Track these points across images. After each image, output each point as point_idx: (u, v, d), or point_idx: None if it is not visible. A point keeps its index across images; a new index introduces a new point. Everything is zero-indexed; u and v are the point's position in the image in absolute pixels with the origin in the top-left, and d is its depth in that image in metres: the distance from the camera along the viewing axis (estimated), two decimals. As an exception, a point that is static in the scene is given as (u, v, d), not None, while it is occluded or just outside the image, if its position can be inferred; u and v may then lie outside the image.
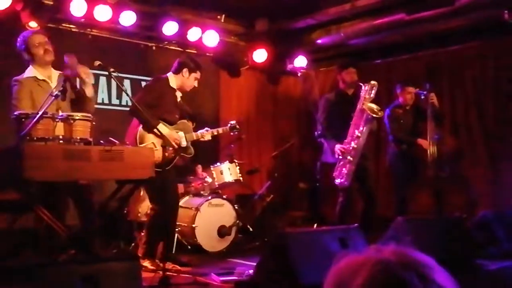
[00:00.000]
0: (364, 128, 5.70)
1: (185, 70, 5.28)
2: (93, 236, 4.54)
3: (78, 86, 4.66)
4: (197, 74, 5.35)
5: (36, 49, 4.46)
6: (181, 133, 5.25)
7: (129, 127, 5.23)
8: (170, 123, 5.17)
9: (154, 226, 5.12)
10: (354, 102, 5.91)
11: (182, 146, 5.15)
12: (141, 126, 5.02)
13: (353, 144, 5.69)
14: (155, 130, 4.90)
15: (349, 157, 5.68)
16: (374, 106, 5.73)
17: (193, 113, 6.77)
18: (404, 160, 6.41)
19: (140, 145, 4.93)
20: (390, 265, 1.05)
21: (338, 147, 5.73)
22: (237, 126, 5.91)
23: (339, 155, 5.71)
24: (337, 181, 5.74)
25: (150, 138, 5.00)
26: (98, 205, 4.57)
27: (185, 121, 5.39)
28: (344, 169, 5.70)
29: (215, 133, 5.66)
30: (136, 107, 4.84)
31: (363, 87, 5.79)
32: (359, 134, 5.69)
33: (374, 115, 5.69)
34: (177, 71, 5.31)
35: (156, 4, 6.73)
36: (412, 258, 1.07)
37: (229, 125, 5.90)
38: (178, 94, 5.37)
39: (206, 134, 5.51)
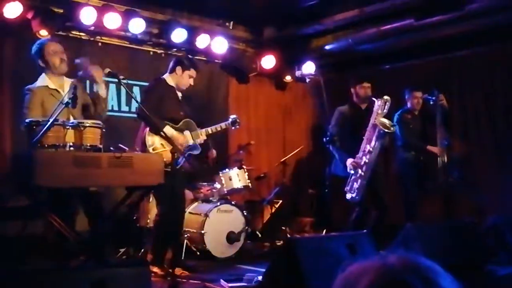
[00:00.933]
0: (376, 143, 5.68)
1: (178, 68, 5.33)
2: (103, 242, 4.55)
3: (94, 88, 4.71)
4: (191, 72, 5.37)
5: (52, 57, 4.51)
6: (187, 132, 5.29)
7: (138, 131, 5.29)
8: (176, 121, 5.21)
9: (161, 232, 5.15)
10: (367, 117, 5.86)
11: (189, 144, 5.19)
12: (147, 129, 5.08)
13: (365, 159, 5.66)
14: (162, 133, 4.97)
15: (360, 172, 5.66)
16: (386, 121, 5.71)
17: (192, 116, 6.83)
18: (413, 166, 6.39)
19: (149, 147, 5.00)
20: (393, 269, 1.06)
21: (350, 161, 5.70)
22: (238, 120, 5.91)
23: (351, 169, 5.69)
24: (349, 196, 5.71)
25: (158, 140, 5.07)
26: (108, 211, 4.59)
27: (189, 119, 5.41)
28: (355, 183, 5.68)
29: (218, 129, 5.65)
30: (143, 111, 4.90)
31: (376, 102, 5.76)
32: (371, 149, 5.66)
33: (387, 130, 5.66)
34: (171, 70, 5.38)
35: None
36: (416, 263, 1.08)
37: (230, 119, 5.87)
38: (179, 94, 5.42)
39: (208, 130, 5.53)
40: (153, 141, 5.07)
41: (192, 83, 5.44)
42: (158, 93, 5.21)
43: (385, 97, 5.76)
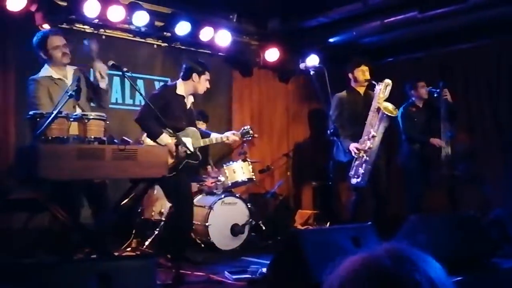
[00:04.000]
0: (380, 127, 5.67)
1: (194, 75, 5.26)
2: (108, 234, 4.57)
3: (92, 78, 4.72)
4: (207, 76, 5.33)
5: (54, 51, 4.52)
6: (188, 139, 5.21)
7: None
8: (178, 130, 5.13)
9: (173, 224, 5.19)
10: (366, 101, 5.89)
11: (188, 152, 5.08)
12: (145, 134, 5.10)
13: (369, 143, 5.64)
14: (157, 140, 4.96)
15: (365, 157, 5.64)
16: (390, 105, 5.69)
17: (205, 114, 6.83)
18: (417, 159, 6.39)
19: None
20: (378, 259, 1.06)
21: (353, 146, 5.68)
22: (251, 132, 5.79)
23: (355, 153, 5.68)
24: (353, 180, 5.68)
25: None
26: (113, 203, 4.60)
27: (194, 128, 5.37)
28: (360, 168, 5.65)
29: (224, 140, 5.58)
30: (139, 118, 5.00)
31: (377, 86, 5.75)
32: (375, 134, 5.64)
33: (390, 114, 5.65)
34: (186, 78, 5.30)
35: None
36: (403, 253, 1.07)
37: (241, 130, 5.79)
38: (189, 100, 5.37)
39: (213, 140, 5.51)
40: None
41: (209, 86, 5.40)
42: (164, 100, 5.15)
43: (386, 80, 5.73)
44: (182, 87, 5.30)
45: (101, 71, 4.56)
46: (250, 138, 5.87)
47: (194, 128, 5.38)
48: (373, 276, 1.04)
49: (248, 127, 5.84)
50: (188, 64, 5.41)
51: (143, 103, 6.84)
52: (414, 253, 1.08)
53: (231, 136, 5.61)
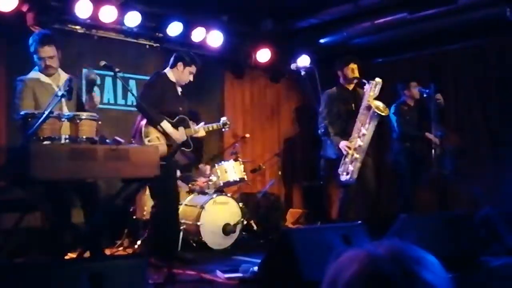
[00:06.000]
0: (370, 125, 5.71)
1: (179, 64, 5.37)
2: (100, 234, 4.58)
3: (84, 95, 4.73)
4: (192, 69, 5.42)
5: (40, 61, 4.54)
6: (182, 128, 5.36)
7: (135, 122, 5.34)
8: (174, 115, 5.29)
9: (157, 223, 5.20)
10: (355, 98, 5.94)
11: (183, 141, 5.27)
12: (144, 120, 5.13)
13: (359, 141, 5.68)
14: (158, 127, 5.06)
15: (355, 155, 5.68)
16: (380, 104, 5.73)
17: (196, 114, 6.86)
18: (408, 158, 6.45)
19: (145, 139, 5.07)
20: (378, 260, 1.06)
21: (343, 144, 5.73)
22: (228, 122, 6.11)
23: (345, 150, 5.72)
24: (343, 178, 5.72)
25: (154, 133, 5.14)
26: (105, 203, 4.61)
27: (184, 116, 5.47)
28: (350, 166, 5.70)
29: (210, 129, 5.83)
30: (140, 105, 5.04)
31: (367, 84, 5.80)
32: (365, 132, 5.69)
33: (380, 113, 5.70)
34: (172, 65, 5.42)
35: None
36: (404, 254, 1.07)
37: (221, 121, 6.07)
38: (178, 89, 5.47)
39: (200, 129, 5.64)
40: (149, 133, 5.13)
41: (192, 79, 5.49)
42: (159, 87, 5.26)
43: (377, 79, 5.79)
44: (171, 74, 5.41)
45: (96, 102, 4.58)
46: (228, 129, 6.26)
47: (184, 116, 5.47)
48: (374, 275, 1.04)
49: (225, 118, 6.18)
50: (178, 53, 5.54)
51: (135, 103, 6.87)
52: (414, 251, 1.09)
53: (215, 125, 5.95)
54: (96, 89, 4.73)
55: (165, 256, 4.98)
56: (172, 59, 5.46)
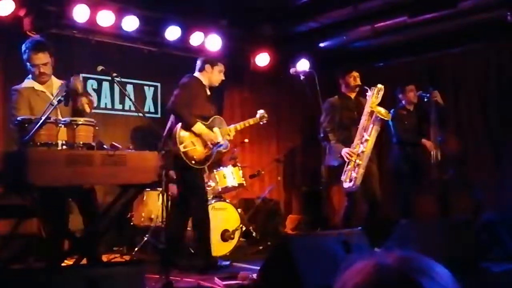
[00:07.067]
0: (373, 130, 5.69)
1: (207, 66, 5.41)
2: (97, 241, 4.54)
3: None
4: (220, 67, 5.48)
5: (33, 68, 4.51)
6: (216, 129, 5.37)
7: (168, 126, 5.32)
8: (206, 118, 5.32)
9: (203, 227, 5.31)
10: (357, 106, 5.93)
11: (219, 142, 5.29)
12: (179, 125, 5.13)
13: (362, 147, 5.66)
14: (193, 129, 5.10)
15: (358, 161, 5.65)
16: (382, 109, 5.73)
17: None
18: (408, 163, 6.42)
19: (180, 146, 5.08)
20: (385, 270, 1.05)
21: (345, 151, 5.70)
22: (266, 115, 6.02)
23: (347, 158, 5.69)
24: (346, 185, 5.69)
25: (189, 138, 5.15)
26: (102, 209, 4.57)
27: (219, 117, 5.54)
28: (353, 172, 5.66)
29: (247, 125, 5.84)
30: (175, 106, 5.09)
31: (369, 91, 5.78)
32: (368, 137, 5.67)
33: (383, 118, 5.69)
34: (201, 69, 5.44)
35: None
36: (412, 264, 1.06)
37: (258, 114, 5.99)
38: (208, 92, 5.48)
39: (232, 128, 5.62)
40: (184, 139, 5.12)
41: (223, 78, 5.53)
42: (193, 90, 5.28)
43: (379, 85, 5.79)
44: (201, 78, 5.43)
45: (86, 106, 4.47)
46: (265, 121, 6.13)
47: (219, 117, 5.56)
48: (379, 285, 1.04)
49: (263, 111, 6.05)
50: (202, 57, 5.57)
51: (132, 108, 6.84)
52: (423, 262, 1.08)
53: (251, 120, 5.95)
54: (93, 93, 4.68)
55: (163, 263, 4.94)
56: (198, 63, 5.47)
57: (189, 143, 5.13)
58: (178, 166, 5.18)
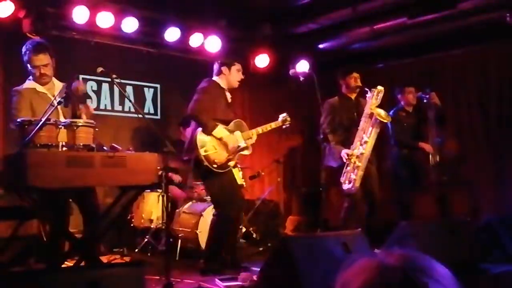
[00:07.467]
0: (372, 132, 5.69)
1: (224, 69, 5.30)
2: (97, 242, 4.54)
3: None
4: (237, 66, 5.36)
5: (33, 70, 4.50)
6: (238, 133, 5.26)
7: (189, 131, 5.28)
8: (227, 122, 5.23)
9: (217, 231, 5.16)
10: (357, 107, 5.93)
11: (240, 145, 5.18)
12: (199, 129, 5.06)
13: (361, 149, 5.65)
14: (213, 133, 5.01)
15: (357, 163, 5.65)
16: (382, 111, 5.72)
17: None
18: (407, 164, 6.42)
19: (201, 149, 5.00)
20: (388, 270, 1.05)
21: (344, 152, 5.70)
22: (288, 119, 5.73)
23: (346, 159, 5.68)
24: (345, 186, 5.69)
25: (211, 142, 5.06)
26: (102, 211, 4.57)
27: (240, 120, 5.43)
28: (352, 174, 5.66)
29: (268, 128, 5.60)
30: (193, 111, 5.02)
31: (369, 92, 5.78)
32: (367, 139, 5.66)
33: (382, 120, 5.68)
34: (218, 73, 5.34)
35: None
36: (414, 264, 1.07)
37: (280, 118, 5.74)
38: (228, 95, 5.39)
39: (254, 132, 5.46)
40: (205, 142, 5.05)
41: (242, 76, 5.41)
42: (212, 94, 5.17)
43: (379, 87, 5.79)
44: (220, 81, 5.33)
45: (83, 115, 4.47)
46: (288, 125, 5.81)
47: (241, 120, 5.44)
48: (383, 285, 1.04)
49: (285, 114, 5.76)
50: (218, 61, 5.44)
51: (132, 109, 6.85)
52: (425, 262, 1.09)
53: (273, 124, 5.68)
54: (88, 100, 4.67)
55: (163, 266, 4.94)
56: (215, 67, 5.37)
57: (210, 147, 5.04)
58: (201, 170, 5.13)
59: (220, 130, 5.06)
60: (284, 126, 5.77)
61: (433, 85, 6.56)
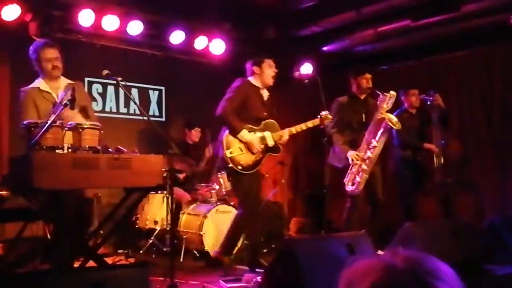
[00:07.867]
0: (381, 137, 5.65)
1: (255, 68, 5.30)
2: (102, 243, 4.57)
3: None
4: (268, 62, 5.34)
5: (45, 63, 4.52)
6: (267, 133, 5.25)
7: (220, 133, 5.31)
8: (259, 121, 5.23)
9: (237, 227, 5.31)
10: (366, 108, 5.91)
11: (269, 146, 5.20)
12: (227, 131, 5.11)
13: (368, 153, 5.62)
14: (238, 136, 5.04)
15: (363, 166, 5.64)
16: (393, 117, 5.67)
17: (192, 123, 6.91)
18: (410, 165, 6.42)
19: (227, 151, 5.06)
20: (394, 271, 1.06)
21: (351, 153, 5.67)
22: (329, 117, 5.48)
23: (353, 161, 5.68)
24: (349, 187, 5.68)
25: (236, 143, 5.10)
26: (107, 212, 4.59)
27: (272, 120, 5.38)
28: (357, 177, 5.65)
29: (304, 128, 5.43)
30: (222, 112, 5.06)
31: (381, 96, 5.72)
32: (376, 144, 5.63)
33: (393, 126, 5.66)
34: (251, 73, 5.34)
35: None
36: (420, 265, 1.07)
37: (319, 116, 5.42)
38: (265, 94, 5.38)
39: (285, 132, 5.36)
40: (231, 144, 5.09)
41: (276, 70, 5.38)
42: (244, 93, 5.19)
43: (391, 92, 5.71)
44: (254, 80, 5.33)
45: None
46: (330, 122, 5.63)
47: (273, 120, 5.38)
48: (390, 286, 1.04)
49: (326, 112, 5.46)
50: (249, 61, 5.41)
51: (137, 111, 6.88)
52: (431, 263, 1.09)
53: (309, 123, 5.48)
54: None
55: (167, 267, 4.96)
56: (247, 67, 5.37)
57: (236, 148, 5.08)
58: (228, 170, 5.24)
59: (244, 134, 5.09)
60: (322, 126, 5.48)
61: (437, 87, 6.55)
